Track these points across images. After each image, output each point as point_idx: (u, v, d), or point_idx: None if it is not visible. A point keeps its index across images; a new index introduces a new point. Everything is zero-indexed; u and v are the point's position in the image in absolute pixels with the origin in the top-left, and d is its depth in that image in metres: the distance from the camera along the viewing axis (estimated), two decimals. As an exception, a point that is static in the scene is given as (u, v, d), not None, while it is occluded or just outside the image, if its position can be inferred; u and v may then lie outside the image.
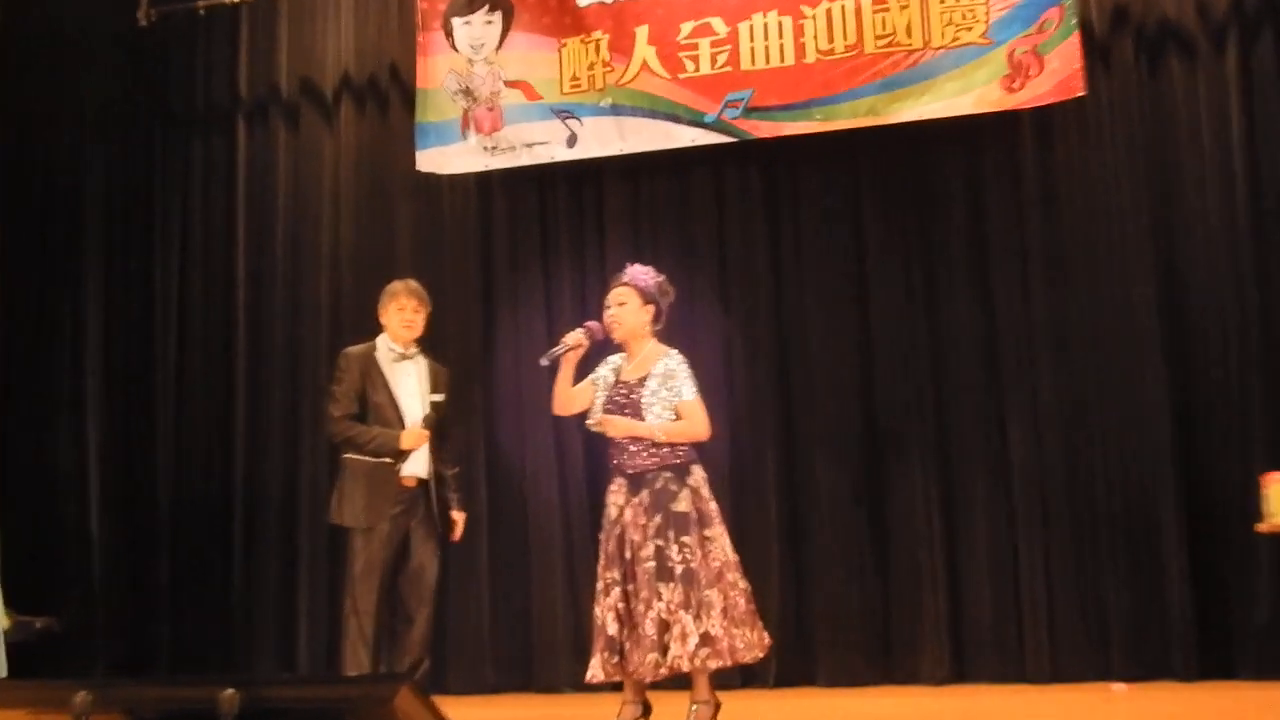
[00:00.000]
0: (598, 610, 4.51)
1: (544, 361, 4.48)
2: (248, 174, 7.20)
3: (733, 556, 4.54)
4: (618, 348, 4.71)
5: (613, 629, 4.42)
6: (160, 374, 7.08)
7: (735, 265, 6.64)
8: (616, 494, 4.55)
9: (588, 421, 4.62)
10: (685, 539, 4.38)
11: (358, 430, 5.04)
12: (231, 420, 7.01)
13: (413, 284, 5.26)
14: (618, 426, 4.45)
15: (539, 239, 6.85)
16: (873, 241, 6.53)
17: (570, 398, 4.62)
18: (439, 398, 5.20)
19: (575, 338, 4.51)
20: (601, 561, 4.51)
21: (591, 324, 4.57)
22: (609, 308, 4.58)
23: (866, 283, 6.50)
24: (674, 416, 4.50)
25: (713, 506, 4.55)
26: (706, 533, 4.44)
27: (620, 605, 4.41)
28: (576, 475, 6.54)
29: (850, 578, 6.28)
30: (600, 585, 4.50)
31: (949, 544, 6.27)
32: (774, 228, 6.65)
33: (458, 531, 5.22)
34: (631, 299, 4.58)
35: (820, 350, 6.51)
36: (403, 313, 5.20)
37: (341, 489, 5.11)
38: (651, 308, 4.61)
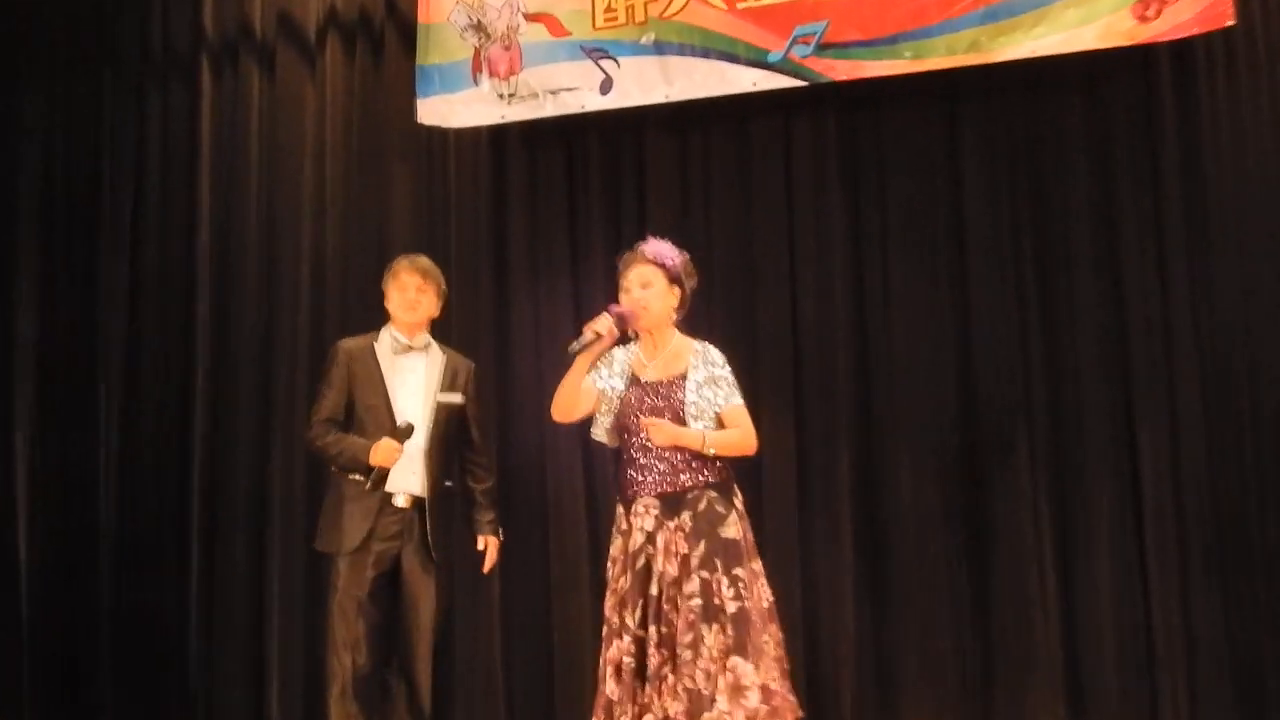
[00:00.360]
0: (601, 662, 4.15)
1: (575, 348, 4.08)
2: (213, 131, 6.62)
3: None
4: (622, 340, 4.30)
5: (611, 687, 4.06)
6: (106, 379, 6.57)
7: (805, 236, 5.97)
8: (643, 517, 4.10)
9: (592, 431, 4.27)
10: (737, 571, 4.00)
11: (329, 439, 4.58)
12: (189, 433, 6.43)
13: (420, 259, 4.79)
14: (666, 432, 4.04)
15: (565, 207, 6.25)
16: (973, 207, 5.82)
17: (578, 399, 4.22)
18: (453, 398, 4.70)
19: (606, 324, 4.09)
20: (610, 600, 4.11)
21: (622, 308, 4.16)
22: (627, 290, 4.19)
23: (965, 256, 5.81)
24: (716, 425, 4.13)
25: (751, 536, 4.19)
26: (754, 565, 4.09)
27: (629, 657, 4.04)
28: (608, 493, 5.60)
29: (942, 611, 5.67)
30: (605, 630, 4.15)
31: (1064, 572, 5.60)
32: (852, 191, 5.98)
33: (487, 562, 4.79)
34: (658, 280, 4.20)
35: (907, 337, 5.84)
36: (404, 293, 4.71)
37: (325, 509, 4.68)
38: (678, 292, 4.24)
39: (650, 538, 4.12)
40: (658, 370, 4.25)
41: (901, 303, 5.91)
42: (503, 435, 6.02)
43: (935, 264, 5.90)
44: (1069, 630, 5.63)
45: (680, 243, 4.49)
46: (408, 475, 4.64)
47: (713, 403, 4.16)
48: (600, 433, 4.32)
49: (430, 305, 4.77)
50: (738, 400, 4.21)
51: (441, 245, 6.16)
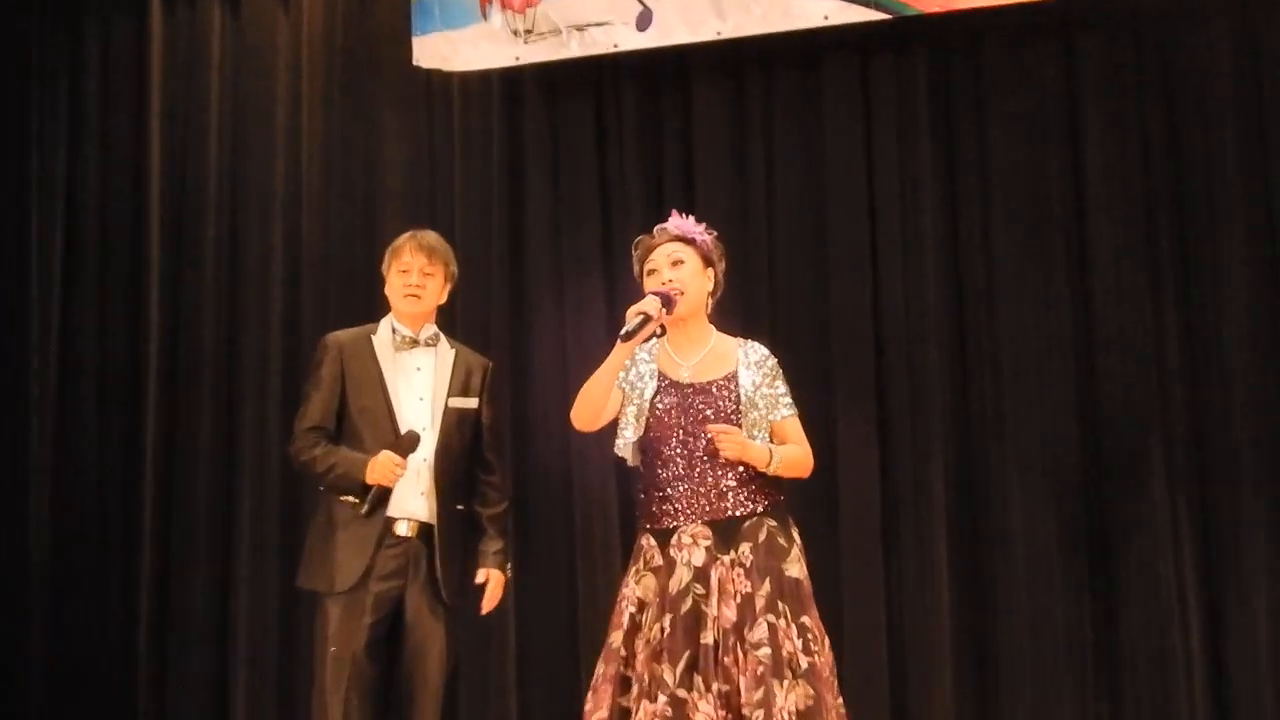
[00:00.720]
0: None
1: (627, 331, 3.88)
2: (165, 75, 6.30)
3: None
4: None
5: None
6: (39, 376, 6.23)
7: (888, 206, 5.64)
8: (690, 550, 3.89)
9: (617, 444, 4.05)
10: (805, 620, 3.87)
11: (317, 452, 4.40)
12: (138, 444, 6.07)
13: (427, 235, 4.58)
14: (739, 444, 3.86)
15: (594, 170, 5.95)
16: (1097, 166, 5.51)
17: (607, 402, 4.04)
18: (467, 403, 4.50)
19: (655, 305, 3.92)
20: (642, 655, 3.87)
21: (669, 290, 3.97)
22: (655, 270, 4.04)
23: (1086, 229, 5.51)
24: (769, 438, 4.02)
25: None
26: (815, 614, 3.95)
27: None
28: None
29: (1061, 666, 5.37)
30: (635, 690, 3.89)
31: (1212, 620, 5.31)
32: (947, 147, 5.67)
33: (486, 600, 4.53)
34: (690, 258, 4.06)
35: (1015, 330, 5.53)
36: (406, 275, 4.48)
37: (311, 538, 4.49)
38: (711, 274, 4.10)
39: (700, 575, 3.89)
40: (699, 370, 4.07)
41: (1008, 288, 5.62)
42: (519, 448, 5.75)
43: (1049, 239, 5.60)
44: (1217, 695, 5.38)
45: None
46: (413, 497, 4.42)
47: (766, 414, 4.00)
48: (627, 447, 4.09)
49: (437, 291, 4.53)
50: (790, 410, 4.05)
51: (444, 218, 5.86)
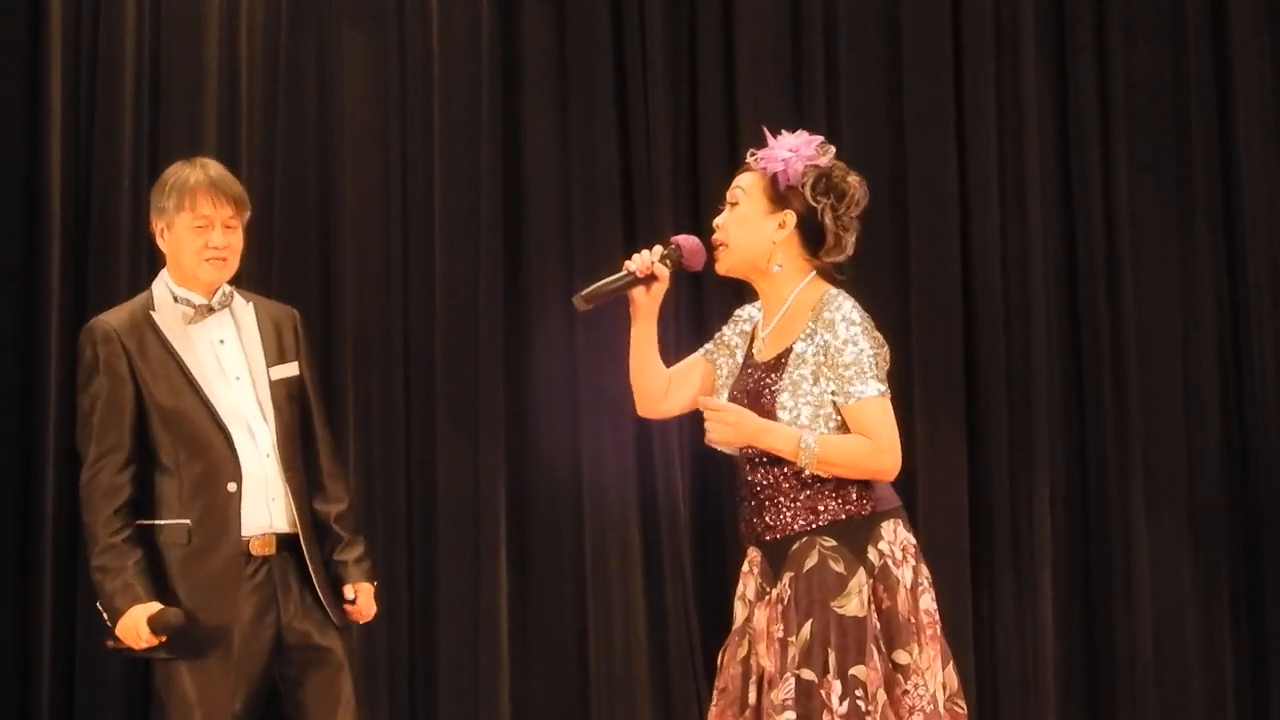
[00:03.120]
0: None
1: (581, 303, 3.46)
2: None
3: (959, 706, 3.51)
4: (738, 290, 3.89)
5: None
6: None
7: (981, 135, 5.13)
8: (746, 579, 3.58)
9: (710, 434, 3.49)
10: (856, 672, 3.30)
11: (118, 540, 3.83)
12: (37, 454, 5.26)
13: (216, 169, 4.02)
14: (724, 425, 3.42)
15: (610, 90, 5.29)
16: (1251, 85, 5.07)
17: (652, 378, 3.63)
18: (288, 371, 4.04)
19: (643, 262, 3.48)
20: (716, 705, 3.52)
21: (683, 240, 3.52)
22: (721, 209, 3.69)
23: (1236, 170, 5.06)
24: (838, 426, 3.43)
25: (929, 604, 3.42)
26: (902, 658, 3.36)
27: None
28: (699, 530, 5.25)
29: None
30: None
31: None
32: (1057, 62, 5.17)
33: (360, 611, 4.06)
34: (752, 195, 3.50)
35: (1145, 303, 5.07)
36: (204, 232, 3.91)
37: (128, 580, 3.90)
38: (789, 218, 3.46)
39: (753, 611, 3.59)
40: (770, 345, 3.63)
41: (1134, 249, 5.16)
42: (520, 445, 5.28)
43: (1187, 185, 5.18)
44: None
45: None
46: (261, 507, 3.94)
47: (823, 390, 3.47)
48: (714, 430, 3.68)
49: (240, 247, 4.03)
50: (875, 389, 3.43)
51: (420, 161, 5.28)
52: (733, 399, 3.58)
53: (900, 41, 5.24)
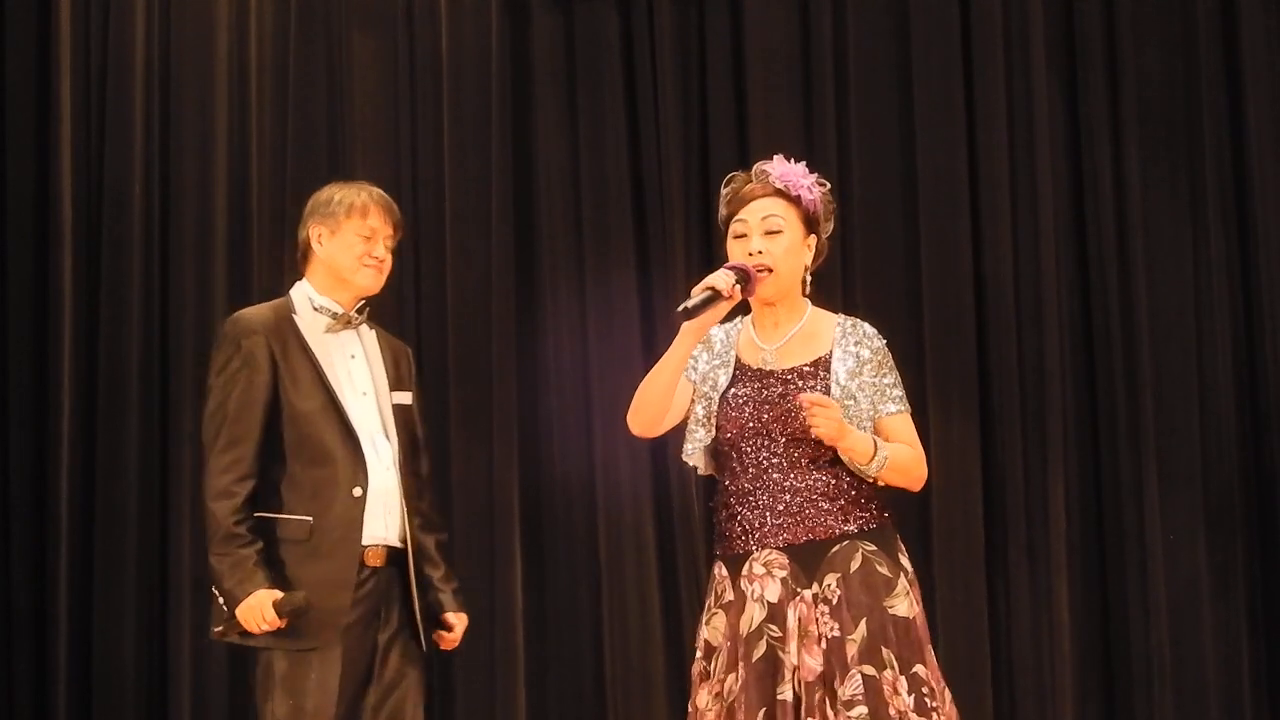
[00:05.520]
0: None
1: (681, 315, 3.57)
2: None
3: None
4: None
5: None
6: None
7: (993, 136, 5.17)
8: (763, 582, 3.64)
9: (686, 449, 3.77)
10: (918, 669, 3.49)
11: (244, 530, 3.89)
12: (50, 457, 5.36)
13: (382, 193, 4.13)
14: (835, 419, 3.51)
15: (620, 96, 5.38)
16: (1262, 80, 5.14)
17: (670, 399, 3.78)
18: (404, 399, 4.15)
19: (727, 281, 3.59)
20: (707, 704, 3.66)
21: (744, 264, 3.61)
22: (744, 235, 3.70)
23: (1247, 163, 5.15)
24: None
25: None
26: (932, 657, 3.61)
27: None
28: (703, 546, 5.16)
29: None
30: None
31: None
32: (1068, 71, 5.18)
33: (454, 640, 4.17)
34: (790, 223, 3.70)
35: (1158, 299, 5.11)
36: (369, 243, 4.02)
37: (248, 569, 3.95)
38: (813, 242, 3.74)
39: (775, 613, 3.63)
40: (783, 355, 3.77)
41: (1147, 244, 5.19)
42: (531, 456, 5.34)
43: (1199, 179, 5.19)
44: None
45: (797, 154, 3.78)
46: (381, 517, 4.00)
47: (869, 410, 3.69)
48: (697, 452, 3.82)
49: (390, 268, 4.22)
50: (906, 407, 3.74)
51: (429, 166, 5.36)
52: (751, 406, 3.71)
53: (910, 46, 5.28)
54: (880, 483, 3.64)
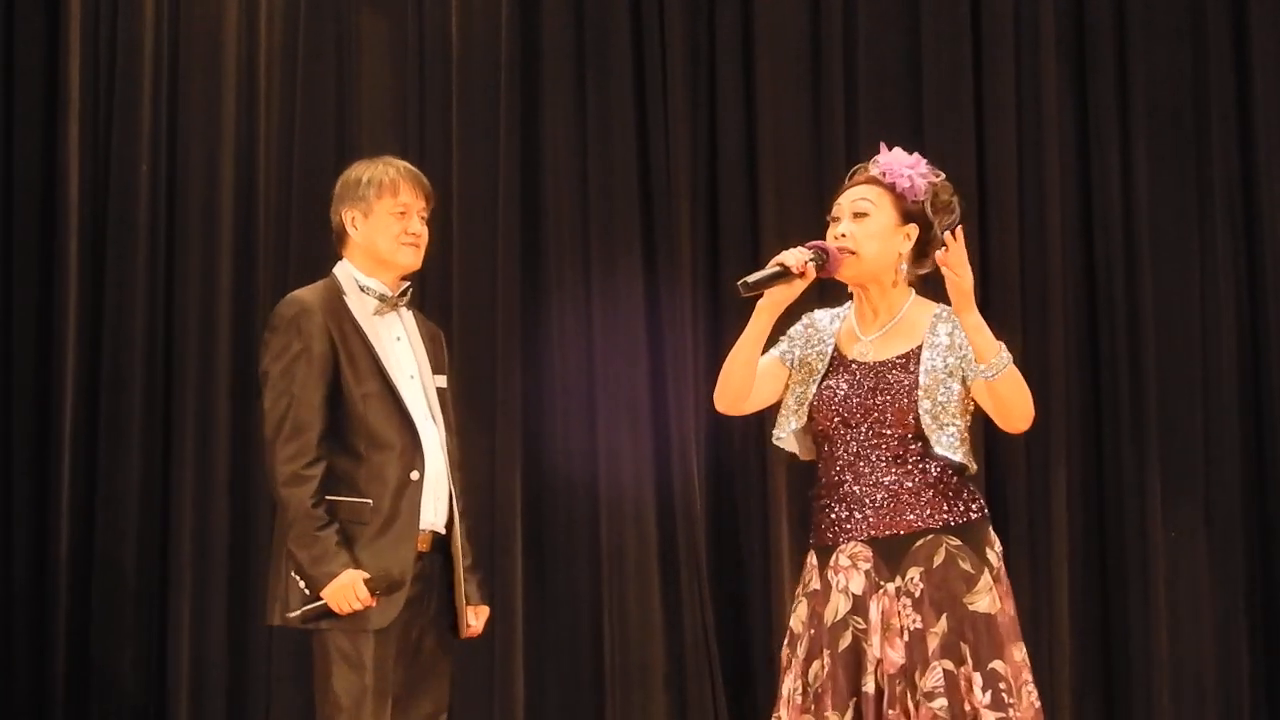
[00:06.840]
0: None
1: (743, 289, 3.58)
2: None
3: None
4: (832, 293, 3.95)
5: None
6: None
7: (1000, 129, 5.23)
8: (848, 574, 3.68)
9: (775, 434, 3.79)
10: (995, 665, 3.54)
11: (321, 510, 3.91)
12: (52, 450, 5.36)
13: (404, 164, 4.15)
14: (967, 268, 3.57)
15: (630, 81, 5.37)
16: (1269, 77, 5.19)
17: (752, 377, 3.76)
18: (440, 381, 4.14)
19: (799, 259, 3.59)
20: (795, 694, 3.67)
21: (825, 244, 3.65)
22: (835, 218, 3.71)
23: (1254, 161, 5.19)
24: (968, 426, 3.72)
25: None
26: (1019, 654, 3.61)
27: None
28: (731, 543, 5.33)
29: None
30: None
31: None
32: (1075, 63, 5.24)
33: (476, 631, 4.15)
34: (882, 207, 3.70)
35: (1164, 297, 5.15)
36: (404, 219, 4.04)
37: (331, 554, 3.97)
38: (913, 231, 3.70)
39: (859, 605, 3.70)
40: (880, 346, 3.81)
41: (1154, 245, 5.22)
42: (534, 446, 5.35)
43: (1206, 177, 5.21)
44: None
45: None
46: (433, 500, 4.04)
47: (962, 398, 3.70)
48: (788, 435, 3.85)
49: (427, 241, 4.20)
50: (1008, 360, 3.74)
51: (436, 150, 5.33)
52: (843, 398, 3.76)
53: (919, 42, 5.27)
54: (994, 398, 3.61)
